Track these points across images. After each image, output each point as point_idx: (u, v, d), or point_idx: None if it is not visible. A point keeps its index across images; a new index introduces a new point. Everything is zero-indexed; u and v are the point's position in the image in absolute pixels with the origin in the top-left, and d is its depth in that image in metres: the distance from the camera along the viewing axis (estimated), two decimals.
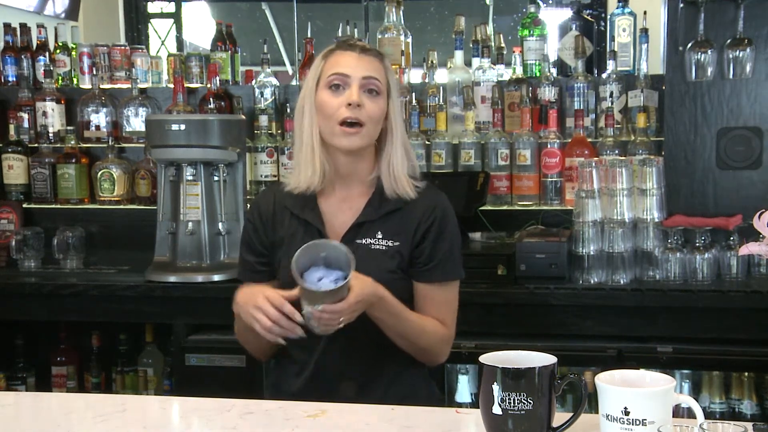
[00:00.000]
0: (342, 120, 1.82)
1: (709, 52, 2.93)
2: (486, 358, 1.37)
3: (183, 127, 2.93)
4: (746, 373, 2.78)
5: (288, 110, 3.35)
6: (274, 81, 3.45)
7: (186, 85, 3.41)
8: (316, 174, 1.86)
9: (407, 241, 1.89)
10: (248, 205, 3.13)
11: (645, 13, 3.21)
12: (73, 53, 3.62)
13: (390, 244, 1.88)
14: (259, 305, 1.70)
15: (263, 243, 1.95)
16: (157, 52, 5.69)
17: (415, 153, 1.98)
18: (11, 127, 3.47)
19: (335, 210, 1.92)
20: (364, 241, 1.88)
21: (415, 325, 1.86)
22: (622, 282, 2.79)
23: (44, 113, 3.48)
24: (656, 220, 2.84)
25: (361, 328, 1.82)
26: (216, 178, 3.03)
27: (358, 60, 1.85)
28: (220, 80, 3.42)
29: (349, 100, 1.81)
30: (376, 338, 1.85)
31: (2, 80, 3.62)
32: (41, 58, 3.58)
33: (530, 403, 1.31)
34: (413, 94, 3.33)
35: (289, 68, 6.95)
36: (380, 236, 1.88)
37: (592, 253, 2.81)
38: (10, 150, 3.49)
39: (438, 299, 1.91)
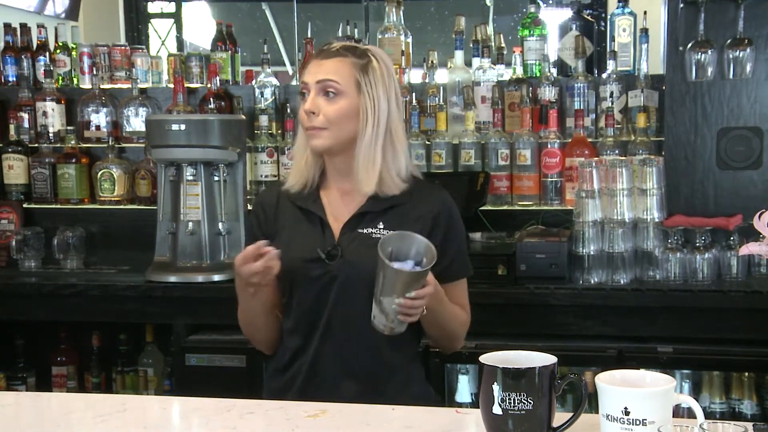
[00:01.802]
0: (305, 127, 1.90)
1: (709, 52, 2.93)
2: (486, 358, 1.37)
3: (183, 127, 2.93)
4: (746, 373, 2.78)
5: (288, 110, 3.35)
6: (274, 81, 3.45)
7: (186, 85, 3.41)
8: (302, 178, 1.96)
9: (409, 231, 1.90)
10: (248, 206, 3.14)
11: (645, 13, 3.21)
12: (74, 53, 3.62)
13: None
14: (238, 259, 1.82)
15: (266, 234, 1.97)
16: (158, 52, 5.69)
17: (406, 151, 1.96)
18: (11, 127, 3.47)
19: (337, 202, 1.96)
20: (365, 230, 1.90)
21: (451, 310, 1.94)
22: (622, 282, 2.79)
23: (44, 113, 3.48)
24: (656, 220, 2.84)
25: (358, 327, 1.84)
26: (216, 178, 3.03)
27: (318, 66, 1.90)
28: (220, 80, 3.42)
29: (304, 107, 1.90)
30: (375, 337, 1.85)
31: (2, 80, 3.62)
32: (41, 58, 3.58)
33: (530, 403, 1.31)
34: (413, 94, 3.33)
35: (289, 68, 6.95)
36: (381, 226, 1.91)
37: (592, 253, 2.81)
38: (10, 150, 3.49)
39: (455, 293, 1.98)
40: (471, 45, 3.36)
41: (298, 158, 1.98)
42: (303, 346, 1.92)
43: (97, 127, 3.50)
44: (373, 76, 1.89)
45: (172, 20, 6.28)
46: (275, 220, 1.98)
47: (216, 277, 2.96)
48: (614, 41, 3.24)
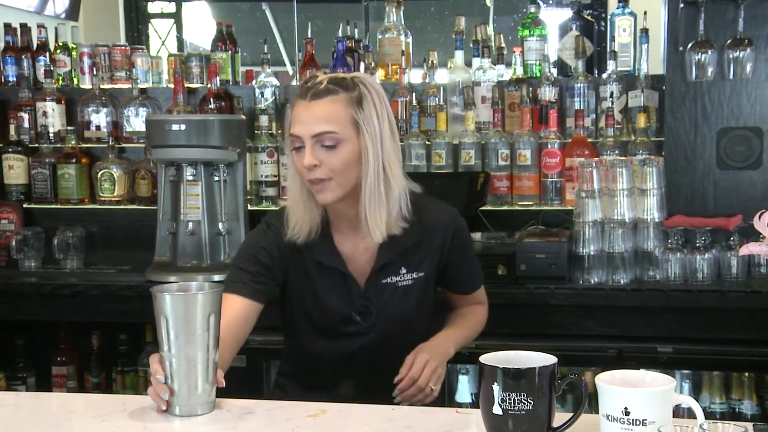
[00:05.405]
0: (308, 180, 1.77)
1: (710, 52, 2.93)
2: (486, 358, 1.37)
3: (183, 127, 2.93)
4: (746, 373, 2.78)
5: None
6: (275, 81, 3.45)
7: (186, 85, 3.41)
8: (306, 226, 1.82)
9: (431, 266, 1.92)
10: (249, 206, 3.13)
11: (645, 13, 3.21)
12: (74, 53, 3.62)
13: (415, 276, 1.89)
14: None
15: (275, 281, 1.87)
16: (158, 52, 5.70)
17: (402, 182, 1.82)
18: (12, 127, 3.47)
19: (353, 252, 1.87)
20: (389, 280, 1.88)
21: (471, 332, 2.06)
22: (622, 282, 2.79)
23: (44, 113, 3.48)
24: (656, 220, 2.83)
25: (385, 366, 1.85)
26: (216, 178, 3.03)
27: (306, 111, 1.72)
28: (220, 80, 3.42)
29: (303, 163, 1.75)
30: (377, 337, 1.86)
31: (2, 80, 3.61)
32: (41, 58, 3.58)
33: (530, 403, 1.31)
34: (414, 94, 3.33)
35: (289, 68, 6.95)
36: (404, 272, 1.88)
37: (592, 253, 2.81)
38: (10, 150, 3.48)
39: (475, 298, 2.10)
40: (471, 45, 3.36)
41: (296, 205, 1.82)
42: (324, 373, 1.92)
43: (97, 127, 3.50)
44: (368, 109, 1.74)
45: (172, 20, 6.29)
46: (282, 269, 1.86)
47: (216, 277, 2.95)
48: (614, 41, 3.24)
